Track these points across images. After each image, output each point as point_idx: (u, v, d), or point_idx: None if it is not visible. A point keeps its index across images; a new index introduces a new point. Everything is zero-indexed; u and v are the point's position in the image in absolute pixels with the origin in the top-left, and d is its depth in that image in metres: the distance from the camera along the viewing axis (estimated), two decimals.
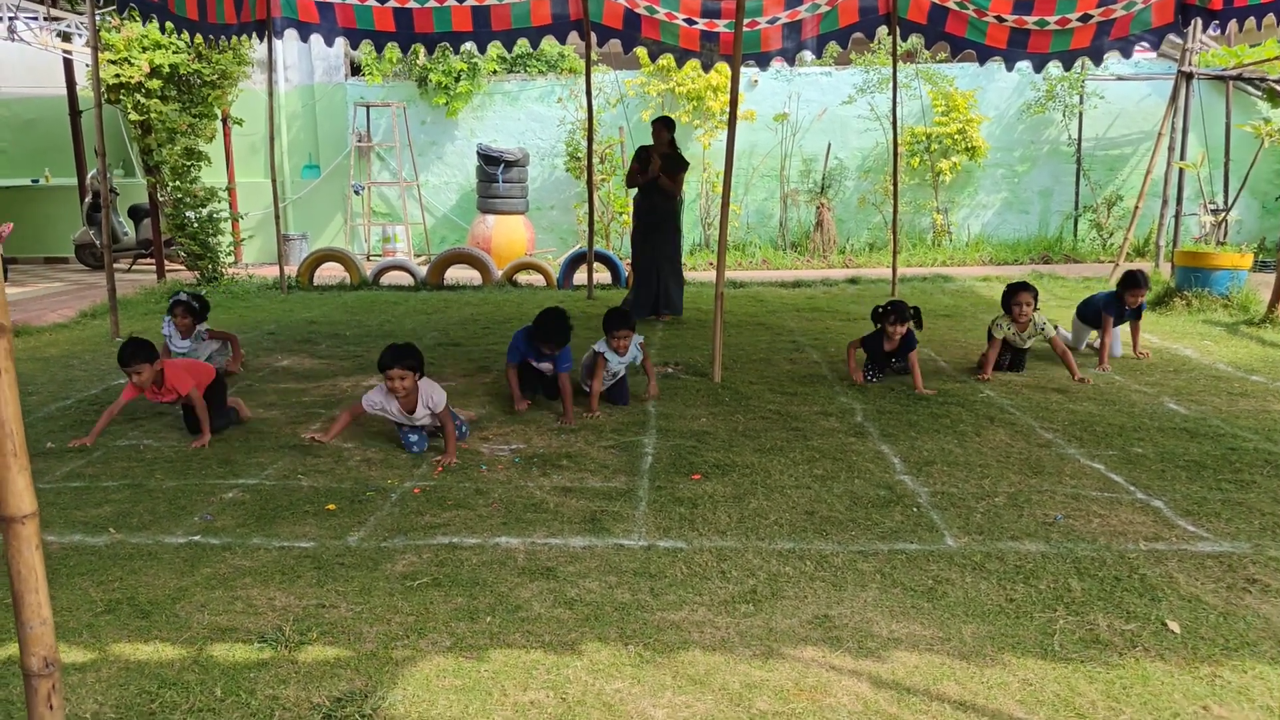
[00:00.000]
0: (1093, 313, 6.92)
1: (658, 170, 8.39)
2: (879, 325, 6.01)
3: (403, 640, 2.84)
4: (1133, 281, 6.63)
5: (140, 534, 3.70)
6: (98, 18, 7.83)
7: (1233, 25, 9.04)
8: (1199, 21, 9.28)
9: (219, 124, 12.15)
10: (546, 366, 5.49)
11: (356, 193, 14.69)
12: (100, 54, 9.07)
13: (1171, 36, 9.72)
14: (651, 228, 8.66)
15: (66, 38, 11.21)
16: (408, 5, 9.49)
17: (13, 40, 9.84)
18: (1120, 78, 13.53)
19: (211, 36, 9.04)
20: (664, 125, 8.53)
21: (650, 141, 8.61)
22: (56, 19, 10.82)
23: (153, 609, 3.05)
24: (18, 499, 1.92)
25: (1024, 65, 9.91)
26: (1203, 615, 2.95)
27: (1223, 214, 11.07)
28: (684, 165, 8.64)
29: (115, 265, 8.39)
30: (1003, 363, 6.39)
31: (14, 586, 1.96)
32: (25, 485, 1.93)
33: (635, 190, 8.75)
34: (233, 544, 3.59)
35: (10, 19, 9.86)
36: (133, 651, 2.78)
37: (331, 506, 3.96)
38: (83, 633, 2.88)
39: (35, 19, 10.34)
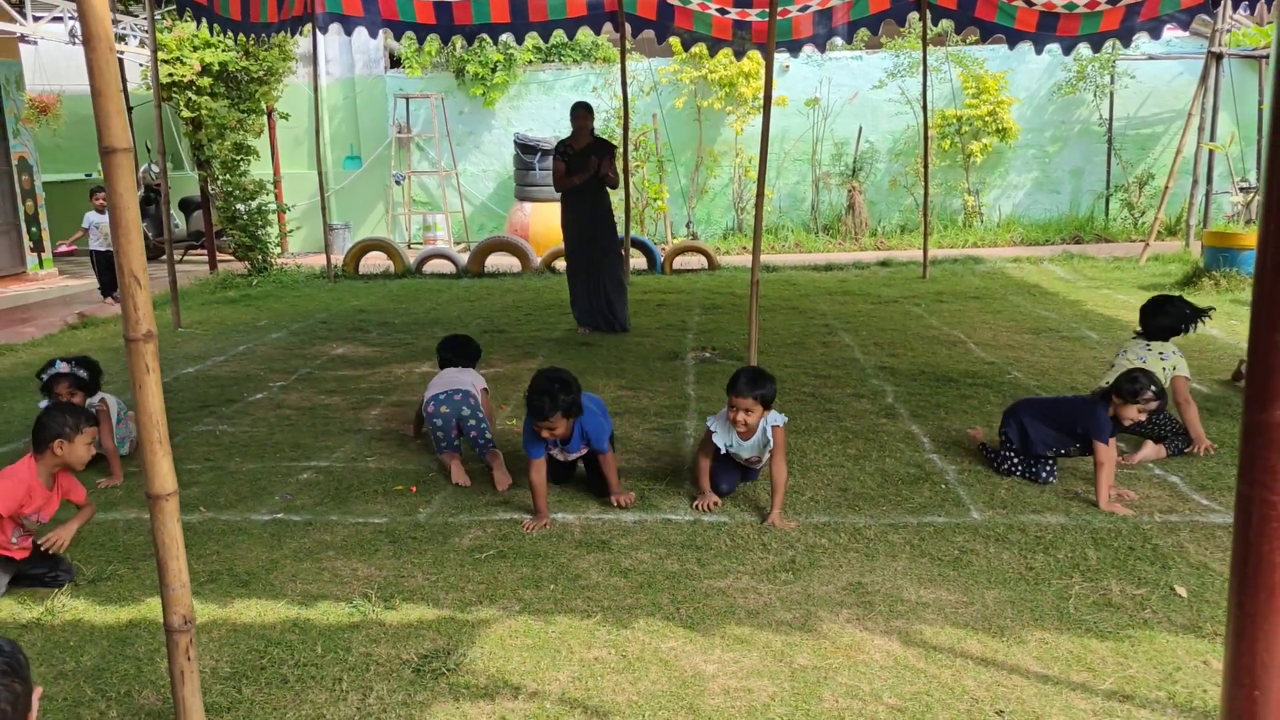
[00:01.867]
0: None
1: (598, 167, 7.32)
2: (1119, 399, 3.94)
3: (476, 605, 3.15)
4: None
5: (228, 512, 4.04)
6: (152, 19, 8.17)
7: (1262, 5, 9.12)
8: (1228, 1, 9.36)
9: (265, 119, 12.52)
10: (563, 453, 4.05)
11: (398, 182, 15.04)
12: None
13: (1203, 15, 9.80)
14: (592, 232, 7.58)
15: (121, 39, 11.61)
16: None
17: (74, 44, 10.25)
18: (1151, 57, 13.54)
19: (254, 35, 9.39)
20: (587, 112, 7.49)
21: (568, 136, 7.56)
22: (114, 21, 11.22)
23: (250, 579, 3.39)
24: (162, 480, 2.25)
25: (1054, 48, 10.02)
26: (1209, 580, 3.20)
27: (1254, 192, 11.12)
28: (612, 149, 7.59)
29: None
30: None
31: (159, 555, 2.29)
32: (168, 468, 2.26)
33: (562, 193, 7.61)
34: (313, 520, 3.92)
35: (72, 20, 10.28)
36: (237, 615, 3.12)
37: (414, 489, 4.26)
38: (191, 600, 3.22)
39: None
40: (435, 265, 11.94)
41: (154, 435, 2.22)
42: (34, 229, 11.86)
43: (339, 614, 3.10)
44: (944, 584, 3.24)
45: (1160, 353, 4.57)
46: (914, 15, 10.07)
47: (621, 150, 10.41)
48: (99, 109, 2.08)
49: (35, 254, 11.92)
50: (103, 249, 9.54)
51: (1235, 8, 9.86)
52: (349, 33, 10.12)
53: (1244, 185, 11.97)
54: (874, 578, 3.30)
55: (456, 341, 4.94)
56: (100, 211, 9.60)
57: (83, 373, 4.52)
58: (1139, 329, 4.78)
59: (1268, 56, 11.73)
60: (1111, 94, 13.96)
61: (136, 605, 3.20)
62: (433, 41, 11.38)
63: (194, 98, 10.96)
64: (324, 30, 10.07)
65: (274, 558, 3.56)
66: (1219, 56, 11.09)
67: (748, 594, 3.20)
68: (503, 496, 4.14)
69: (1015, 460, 4.22)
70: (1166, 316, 4.69)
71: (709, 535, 3.67)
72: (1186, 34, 12.13)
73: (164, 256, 9.21)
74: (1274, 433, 1.22)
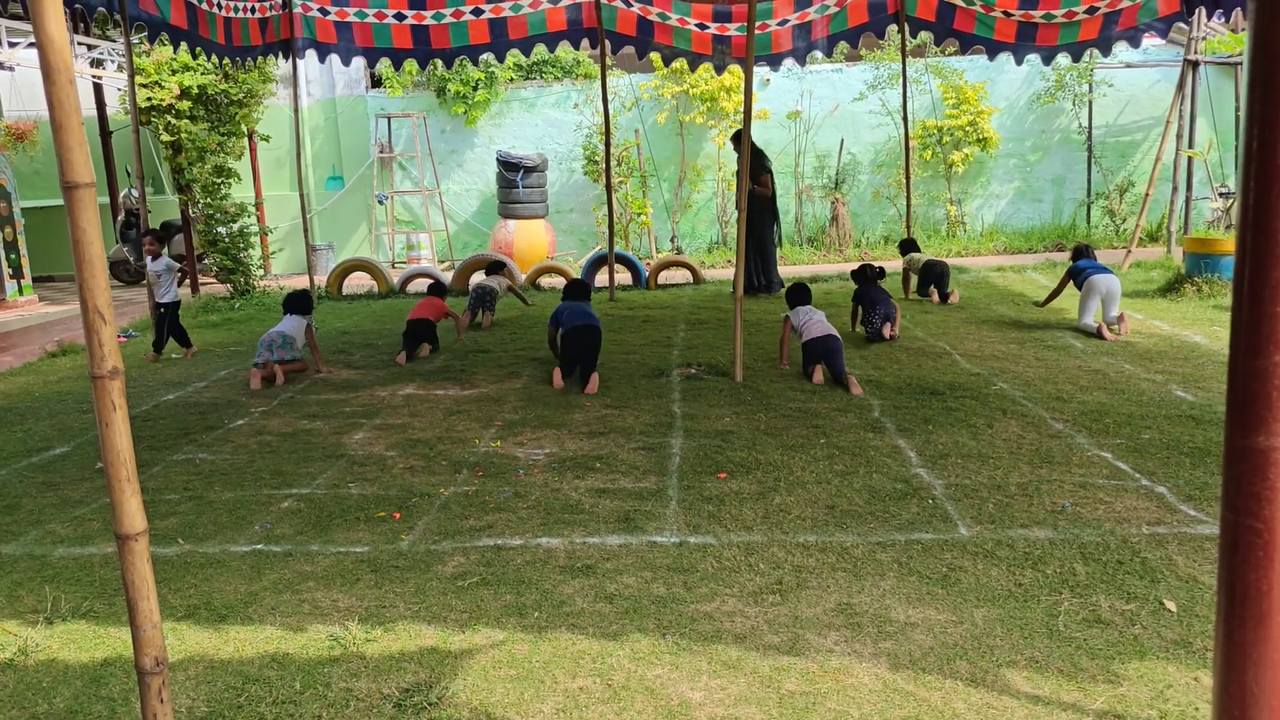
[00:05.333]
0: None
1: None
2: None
3: (459, 635, 3.10)
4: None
5: (207, 543, 3.98)
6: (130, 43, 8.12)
7: (1237, 13, 9.18)
8: (1203, 10, 9.43)
9: (246, 141, 12.48)
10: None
11: (380, 202, 15.00)
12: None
13: (1179, 23, 9.87)
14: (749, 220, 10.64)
15: (98, 63, 11.57)
16: (424, 22, 9.77)
17: None
18: (1129, 65, 13.63)
19: (238, 59, 9.36)
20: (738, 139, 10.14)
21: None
22: (90, 46, 11.17)
23: (228, 612, 3.33)
24: (131, 519, 2.20)
25: (1033, 58, 10.08)
26: (1198, 594, 3.18)
27: (1233, 198, 11.17)
28: (761, 167, 10.36)
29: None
30: None
31: (129, 595, 2.24)
32: (137, 507, 2.20)
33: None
34: (293, 551, 3.87)
35: None
36: (215, 651, 3.06)
37: (397, 515, 4.21)
38: (168, 636, 3.16)
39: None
40: (419, 285, 11.88)
41: (122, 473, 2.17)
42: (13, 256, 11.77)
43: (319, 648, 3.04)
44: (932, 603, 3.21)
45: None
46: (893, 28, 10.11)
47: (604, 165, 10.49)
48: (60, 142, 2.04)
49: (14, 281, 11.82)
50: (165, 299, 8.00)
51: (1210, 16, 9.95)
52: (323, 60, 10.12)
53: (1223, 191, 12.05)
54: (862, 598, 3.26)
55: (493, 261, 9.74)
56: (154, 258, 8.09)
57: (299, 303, 7.39)
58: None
59: (1243, 63, 11.82)
60: (1090, 102, 14.05)
61: (111, 643, 3.13)
62: (411, 63, 11.37)
63: (173, 121, 10.92)
64: (301, 56, 10.04)
65: (253, 590, 3.50)
66: (1195, 64, 11.17)
67: (734, 618, 3.15)
68: (486, 522, 4.09)
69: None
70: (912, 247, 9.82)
71: (695, 557, 3.63)
72: (1164, 42, 12.23)
73: (144, 281, 9.08)
74: (1257, 459, 1.19)
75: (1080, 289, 7.61)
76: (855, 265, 8.39)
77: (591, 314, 6.70)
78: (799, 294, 6.94)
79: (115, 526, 2.20)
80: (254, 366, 6.96)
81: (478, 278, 9.58)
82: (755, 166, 10.03)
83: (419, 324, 7.87)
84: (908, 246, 9.93)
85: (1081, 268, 7.72)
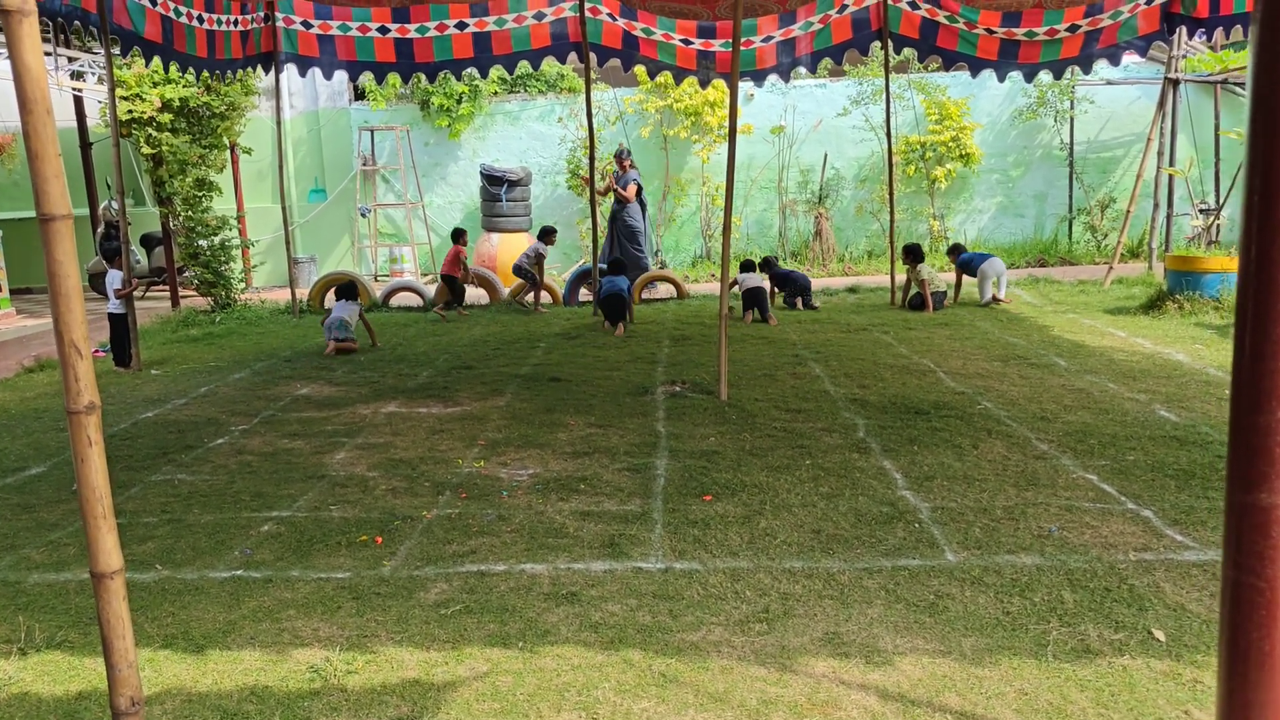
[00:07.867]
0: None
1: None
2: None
3: (441, 666, 3.05)
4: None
5: (185, 569, 3.91)
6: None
7: (1219, 32, 9.27)
8: (1184, 29, 9.52)
9: (228, 153, 12.40)
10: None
11: (364, 215, 14.93)
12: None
13: (1159, 41, 9.97)
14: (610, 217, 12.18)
15: (79, 75, 11.46)
16: (408, 35, 9.74)
17: None
18: (1110, 82, 13.74)
19: (218, 72, 9.28)
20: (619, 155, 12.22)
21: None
22: (71, 59, 11.08)
23: (206, 642, 3.27)
24: (107, 556, 2.15)
25: (1015, 75, 10.15)
26: (1186, 623, 3.17)
27: (1213, 215, 11.27)
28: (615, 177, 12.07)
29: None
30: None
31: (104, 634, 2.19)
32: (113, 544, 2.15)
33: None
34: (273, 577, 3.80)
35: None
36: (193, 684, 3.00)
37: (379, 540, 4.16)
38: (144, 667, 3.10)
39: (49, 57, 10.59)
40: (402, 298, 11.82)
41: (97, 510, 2.12)
42: None
43: (299, 680, 2.99)
44: (920, 631, 3.18)
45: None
46: (876, 44, 10.15)
47: (588, 177, 10.51)
48: (36, 173, 1.99)
49: None
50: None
51: (1191, 35, 10.04)
52: (303, 73, 10.06)
53: (1203, 208, 12.14)
54: (849, 626, 3.23)
55: (546, 228, 11.25)
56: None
57: (348, 291, 9.19)
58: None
59: (1224, 81, 11.93)
60: (1072, 119, 14.15)
61: (86, 676, 3.07)
62: (395, 75, 11.33)
63: (154, 134, 10.82)
64: (282, 70, 9.99)
65: (232, 619, 3.44)
66: (1176, 82, 11.27)
67: (721, 647, 3.12)
68: (470, 547, 4.04)
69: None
70: (912, 253, 10.18)
71: (681, 584, 3.59)
72: (1144, 60, 12.34)
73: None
74: (1259, 516, 1.17)
75: (975, 276, 9.98)
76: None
77: (620, 284, 9.36)
78: (747, 266, 10.26)
79: (90, 564, 2.15)
80: (331, 341, 8.71)
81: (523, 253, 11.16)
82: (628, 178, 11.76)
83: (448, 279, 10.78)
84: (914, 254, 10.15)
85: (968, 259, 10.18)
